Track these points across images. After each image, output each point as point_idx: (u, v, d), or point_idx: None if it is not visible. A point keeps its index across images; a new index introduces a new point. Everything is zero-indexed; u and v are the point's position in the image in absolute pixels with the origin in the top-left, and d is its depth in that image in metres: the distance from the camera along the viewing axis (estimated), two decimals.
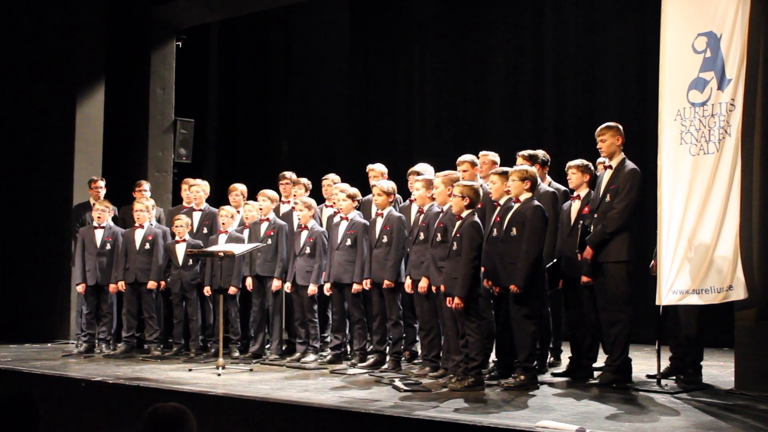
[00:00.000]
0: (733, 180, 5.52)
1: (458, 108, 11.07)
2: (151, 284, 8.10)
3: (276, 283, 7.54)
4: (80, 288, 8.31)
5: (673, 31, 5.82)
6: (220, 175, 11.93)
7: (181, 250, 8.00)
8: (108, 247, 8.29)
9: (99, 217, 8.34)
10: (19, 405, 3.36)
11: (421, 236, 6.59)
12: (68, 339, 9.35)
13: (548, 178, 6.96)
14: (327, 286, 7.26)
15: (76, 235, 8.70)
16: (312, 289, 7.35)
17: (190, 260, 7.98)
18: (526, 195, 6.09)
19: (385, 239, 6.91)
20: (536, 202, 6.06)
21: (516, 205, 6.11)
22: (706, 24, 5.67)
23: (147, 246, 8.16)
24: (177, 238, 8.08)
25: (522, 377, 5.92)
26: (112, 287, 8.20)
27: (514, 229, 6.00)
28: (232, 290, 7.74)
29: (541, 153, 6.98)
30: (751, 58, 5.60)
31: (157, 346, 8.13)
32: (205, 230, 8.37)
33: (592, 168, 6.44)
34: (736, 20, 5.56)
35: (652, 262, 6.00)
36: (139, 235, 8.21)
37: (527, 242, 5.91)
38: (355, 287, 7.07)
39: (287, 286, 7.51)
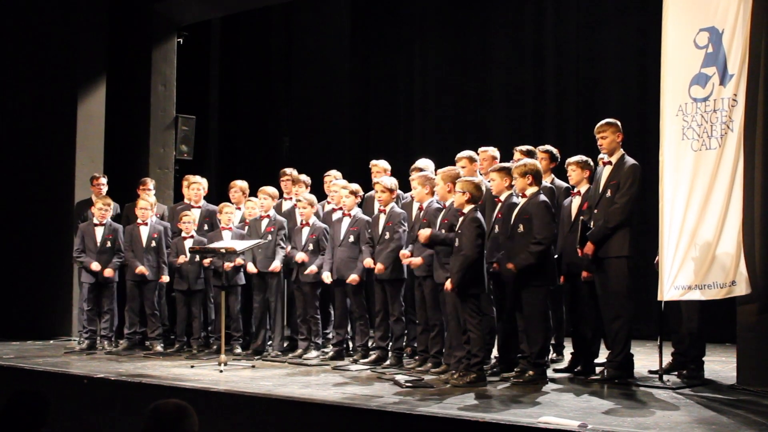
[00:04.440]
0: (736, 175, 5.51)
1: (459, 104, 11.06)
2: (164, 279, 8.13)
3: (276, 263, 7.51)
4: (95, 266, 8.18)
5: (674, 27, 5.81)
6: (222, 171, 11.95)
7: (187, 247, 8.00)
8: (108, 245, 8.28)
9: (102, 216, 8.33)
10: (31, 403, 3.38)
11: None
12: (70, 336, 9.37)
13: (551, 175, 6.96)
14: (326, 275, 7.19)
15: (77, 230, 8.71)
16: (313, 268, 7.30)
17: (196, 257, 7.97)
18: (531, 189, 6.08)
19: (387, 235, 6.91)
20: (542, 197, 6.06)
21: (522, 201, 6.11)
22: (707, 19, 5.66)
23: (153, 244, 8.16)
24: (184, 234, 8.08)
25: (532, 372, 5.92)
26: (107, 271, 8.14)
27: (521, 226, 6.00)
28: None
29: (552, 149, 6.99)
30: (753, 53, 5.59)
31: (160, 342, 8.14)
32: (206, 227, 8.37)
33: (592, 164, 6.43)
34: (738, 15, 5.55)
35: (657, 257, 5.98)
36: (144, 233, 8.19)
37: (539, 233, 5.91)
38: (353, 278, 7.02)
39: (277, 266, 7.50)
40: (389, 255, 6.81)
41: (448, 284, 5.96)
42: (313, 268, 7.29)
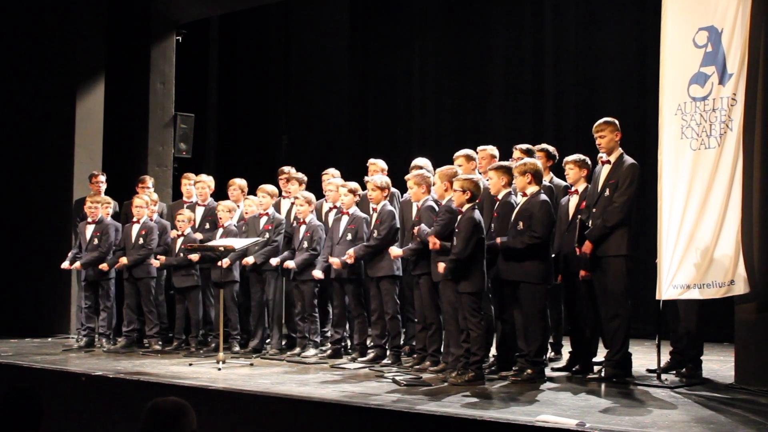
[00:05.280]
0: (735, 174, 5.52)
1: (458, 104, 11.06)
2: (121, 261, 8.06)
3: (248, 258, 7.56)
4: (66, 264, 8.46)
5: (673, 26, 5.82)
6: (220, 169, 11.93)
7: (179, 245, 8.00)
8: (96, 242, 8.29)
9: (93, 213, 8.34)
10: (25, 400, 3.37)
11: (416, 230, 6.57)
12: (69, 333, 9.36)
13: (550, 174, 6.96)
14: (336, 261, 7.10)
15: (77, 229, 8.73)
16: (290, 264, 7.35)
17: (185, 254, 7.97)
18: (532, 188, 6.08)
19: (375, 234, 6.91)
20: (543, 197, 6.06)
21: (522, 200, 6.11)
22: (707, 18, 5.67)
23: (141, 241, 8.16)
24: (178, 232, 8.08)
25: (530, 371, 5.93)
26: (64, 264, 8.32)
27: (521, 223, 5.99)
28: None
29: (549, 147, 6.99)
30: (752, 52, 5.60)
31: (158, 340, 8.13)
32: (207, 225, 8.36)
33: (589, 163, 6.43)
34: (737, 15, 5.56)
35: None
36: (135, 231, 8.21)
37: (536, 230, 5.91)
38: (335, 261, 7.03)
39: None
40: (362, 248, 6.86)
41: (441, 267, 5.98)
42: (290, 264, 7.33)
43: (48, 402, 3.45)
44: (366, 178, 7.37)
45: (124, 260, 8.05)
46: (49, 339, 9.18)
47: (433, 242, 6.13)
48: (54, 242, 9.65)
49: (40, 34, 10.18)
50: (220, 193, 8.87)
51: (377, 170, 7.53)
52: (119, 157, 10.12)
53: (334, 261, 7.05)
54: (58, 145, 9.91)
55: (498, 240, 6.05)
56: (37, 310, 9.70)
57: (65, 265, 8.43)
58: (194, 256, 7.79)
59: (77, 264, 8.29)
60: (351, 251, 6.89)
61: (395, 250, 6.62)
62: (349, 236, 7.17)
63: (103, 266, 8.15)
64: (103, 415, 6.05)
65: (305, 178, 8.13)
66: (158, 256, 8.04)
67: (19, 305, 9.84)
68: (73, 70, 9.95)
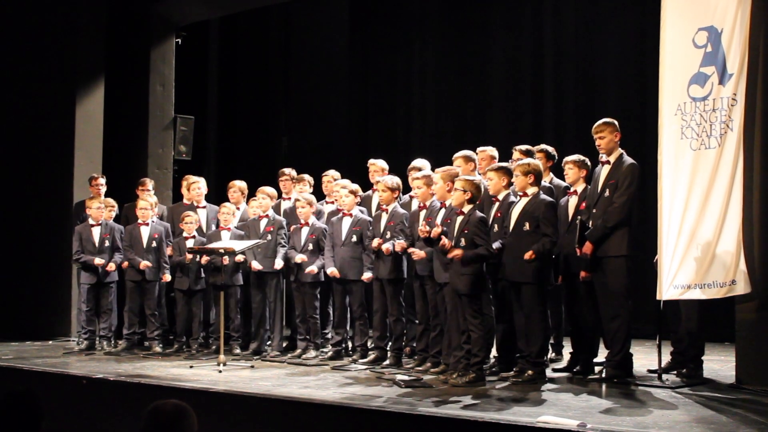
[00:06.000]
0: (735, 174, 5.51)
1: (458, 104, 11.05)
2: (166, 278, 8.10)
3: (278, 262, 7.51)
4: (99, 260, 8.15)
5: (673, 26, 5.82)
6: (220, 171, 11.94)
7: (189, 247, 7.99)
8: (106, 244, 8.27)
9: (98, 216, 8.30)
10: (23, 403, 3.36)
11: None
12: (69, 336, 9.35)
13: (550, 175, 6.96)
14: (332, 270, 7.16)
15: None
16: (312, 268, 7.29)
17: (196, 257, 7.96)
18: (532, 189, 6.09)
19: (388, 235, 6.90)
20: (547, 198, 6.06)
21: (524, 200, 6.11)
22: (706, 19, 5.67)
23: (154, 244, 8.14)
24: (186, 234, 8.07)
25: (531, 372, 5.93)
26: (110, 266, 8.11)
27: (527, 224, 5.99)
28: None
29: (548, 148, 6.99)
30: (752, 52, 5.59)
31: (158, 343, 8.13)
32: (214, 227, 8.33)
33: (589, 163, 6.43)
34: (737, 15, 5.56)
35: (656, 257, 5.98)
36: (144, 233, 8.18)
37: (550, 232, 5.94)
38: (368, 276, 7.00)
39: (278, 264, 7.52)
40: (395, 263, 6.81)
41: (458, 252, 5.85)
42: (312, 268, 7.28)
43: (48, 405, 3.45)
44: (376, 178, 7.34)
45: (168, 277, 8.11)
46: (50, 342, 9.17)
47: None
48: (54, 245, 9.65)
49: (39, 36, 10.17)
50: (220, 195, 8.87)
51: (377, 170, 7.52)
52: (119, 160, 10.12)
53: (418, 253, 6.63)
54: (58, 147, 9.90)
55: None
56: (37, 313, 9.69)
57: (104, 262, 8.11)
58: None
59: (111, 264, 8.12)
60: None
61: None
62: (354, 238, 7.16)
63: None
64: (103, 418, 6.05)
65: (312, 180, 8.13)
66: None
67: (19, 308, 9.83)
68: (72, 72, 9.94)
